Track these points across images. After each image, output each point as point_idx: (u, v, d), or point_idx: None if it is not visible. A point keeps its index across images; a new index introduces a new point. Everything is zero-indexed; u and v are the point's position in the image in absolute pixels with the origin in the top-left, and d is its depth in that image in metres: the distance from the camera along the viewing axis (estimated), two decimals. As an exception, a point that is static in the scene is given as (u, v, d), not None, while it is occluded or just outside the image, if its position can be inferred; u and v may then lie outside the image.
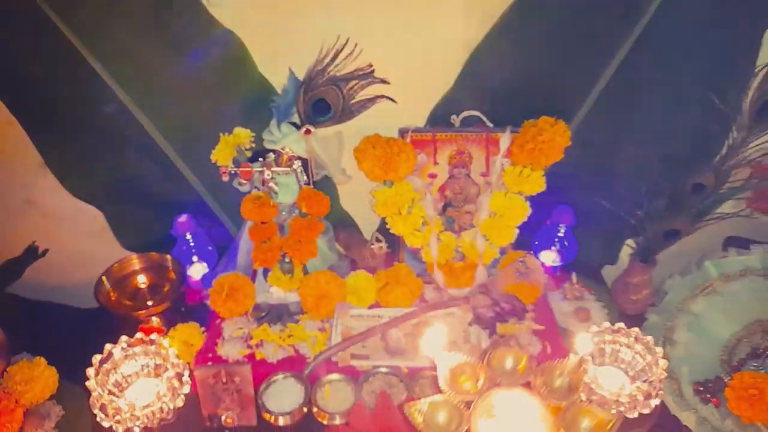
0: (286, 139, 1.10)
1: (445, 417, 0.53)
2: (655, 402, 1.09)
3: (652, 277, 1.36)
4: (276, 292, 1.24)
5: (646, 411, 1.09)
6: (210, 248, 1.32)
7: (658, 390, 1.09)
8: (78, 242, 1.36)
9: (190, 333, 1.20)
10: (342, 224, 1.37)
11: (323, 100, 1.08)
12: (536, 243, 1.36)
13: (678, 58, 1.14)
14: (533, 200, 1.26)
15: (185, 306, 1.32)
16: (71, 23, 1.05)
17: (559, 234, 1.32)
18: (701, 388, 1.19)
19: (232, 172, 1.13)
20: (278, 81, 1.14)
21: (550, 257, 1.35)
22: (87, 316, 1.38)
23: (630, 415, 1.09)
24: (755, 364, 1.21)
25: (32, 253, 1.18)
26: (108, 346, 1.11)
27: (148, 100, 1.17)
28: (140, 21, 1.07)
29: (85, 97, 1.15)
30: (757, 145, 1.15)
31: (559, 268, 1.36)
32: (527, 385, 0.85)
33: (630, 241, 1.42)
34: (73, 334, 1.30)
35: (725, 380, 1.17)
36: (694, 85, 1.14)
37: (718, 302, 1.26)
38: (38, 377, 1.15)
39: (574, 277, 1.34)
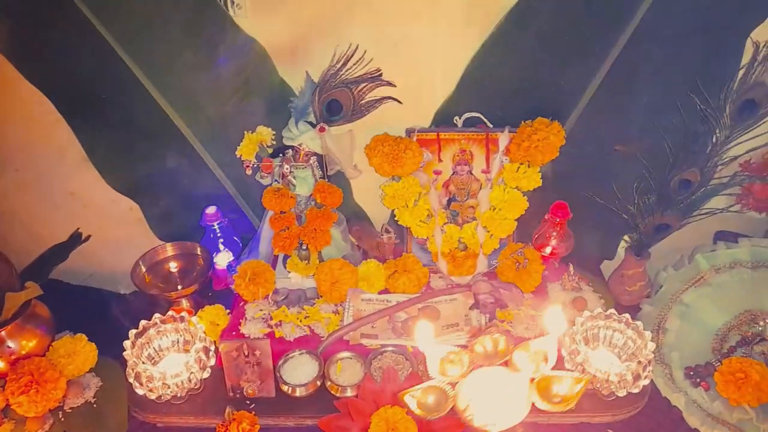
0: (303, 136, 1.22)
1: (435, 399, 0.61)
2: (644, 382, 1.18)
3: (647, 270, 1.44)
4: (294, 277, 1.35)
5: (636, 390, 1.18)
6: (235, 238, 1.45)
7: (646, 370, 1.17)
8: (115, 232, 1.50)
9: (216, 314, 1.32)
10: (355, 217, 1.48)
11: (336, 100, 1.20)
12: (535, 237, 1.45)
13: (664, 63, 1.22)
14: (532, 197, 1.36)
15: (212, 291, 1.45)
16: (115, 32, 1.18)
17: (556, 228, 1.41)
18: (691, 373, 1.26)
19: (255, 165, 1.25)
20: (296, 84, 1.26)
21: (547, 250, 1.44)
22: (122, 300, 1.51)
23: (620, 394, 1.18)
24: (744, 352, 1.28)
25: (76, 239, 1.31)
26: (143, 323, 1.24)
27: (181, 100, 1.29)
28: (174, 29, 1.19)
29: (125, 98, 1.28)
30: (739, 143, 1.23)
31: (557, 260, 1.45)
32: (505, 363, 0.95)
33: (626, 237, 1.50)
34: (110, 316, 1.41)
35: (715, 365, 1.24)
36: (680, 86, 1.22)
37: (709, 293, 1.34)
38: (80, 351, 1.27)
39: (571, 268, 1.42)
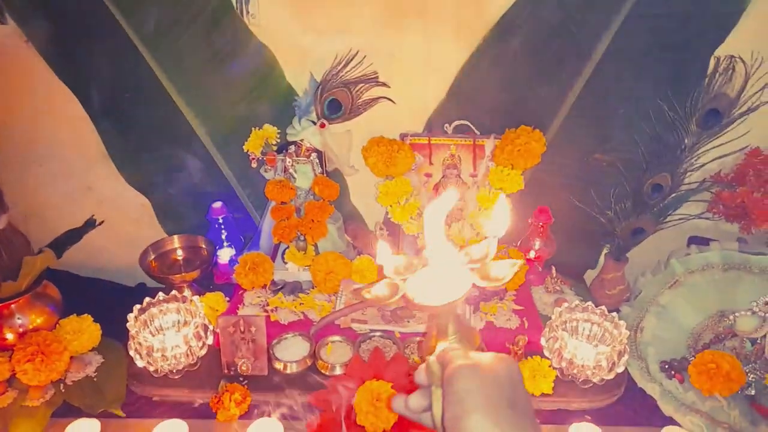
0: (305, 132, 1.34)
1: (388, 290, 0.64)
2: (619, 370, 1.24)
3: (625, 274, 1.51)
4: (291, 267, 1.44)
5: (611, 376, 1.23)
6: (241, 238, 1.54)
7: (621, 359, 1.23)
8: (126, 227, 1.59)
9: (216, 300, 1.40)
10: (351, 218, 1.58)
11: (336, 100, 1.32)
12: (519, 242, 1.53)
13: (636, 76, 1.35)
14: (517, 205, 1.46)
15: (213, 285, 1.53)
16: (141, 35, 1.31)
17: (539, 232, 1.50)
18: (666, 366, 1.32)
19: (260, 159, 1.37)
20: (300, 88, 1.39)
21: (531, 254, 1.52)
22: (128, 291, 1.58)
23: (595, 380, 1.23)
24: (717, 348, 1.34)
25: (91, 224, 1.40)
26: (147, 299, 1.31)
27: (197, 102, 1.41)
28: (194, 35, 1.32)
29: (146, 99, 1.40)
30: (707, 151, 1.34)
31: (541, 264, 1.53)
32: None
33: (607, 246, 1.58)
34: (115, 304, 1.48)
35: (689, 360, 1.30)
36: (652, 98, 1.33)
37: (683, 293, 1.40)
38: (84, 330, 1.34)
39: (553, 271, 1.50)
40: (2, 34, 1.34)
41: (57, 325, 1.35)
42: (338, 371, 1.25)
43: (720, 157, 1.34)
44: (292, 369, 1.26)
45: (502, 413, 0.47)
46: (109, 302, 1.53)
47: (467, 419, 0.47)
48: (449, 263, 0.60)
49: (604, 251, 1.57)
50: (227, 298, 1.41)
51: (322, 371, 1.26)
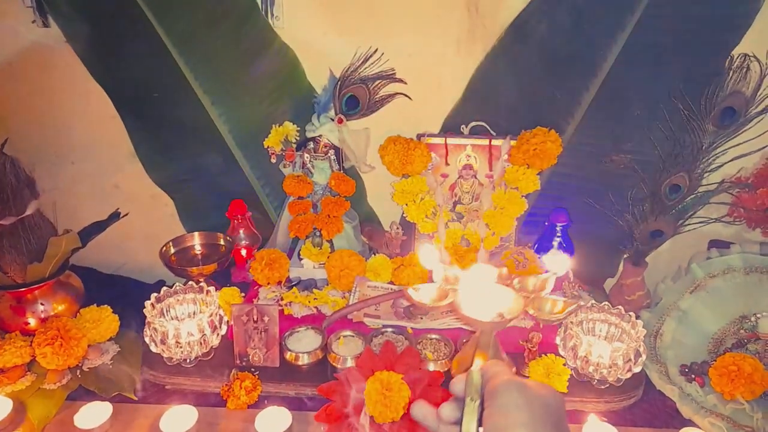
0: (323, 128, 1.37)
1: (435, 295, 0.66)
2: (636, 369, 1.20)
3: (645, 280, 1.49)
4: (306, 265, 1.45)
5: (627, 375, 1.20)
6: (256, 233, 1.57)
7: (638, 358, 1.20)
8: (149, 226, 1.63)
9: (231, 294, 1.41)
10: (368, 220, 1.59)
11: (354, 96, 1.36)
12: (536, 246, 1.53)
13: (651, 76, 1.36)
14: (533, 212, 1.46)
15: (230, 283, 1.55)
16: (173, 37, 1.36)
17: (556, 236, 1.49)
18: (686, 369, 1.28)
19: (279, 154, 1.40)
20: (321, 87, 1.43)
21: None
22: (148, 288, 1.61)
23: (611, 379, 1.20)
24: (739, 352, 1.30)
25: (115, 216, 1.44)
26: (164, 288, 1.33)
27: (221, 101, 1.45)
28: (221, 37, 1.38)
29: (173, 98, 1.45)
30: (723, 151, 1.33)
31: (558, 268, 1.51)
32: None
33: (626, 253, 1.56)
34: (134, 299, 1.51)
35: (710, 363, 1.26)
36: (666, 98, 1.33)
37: (704, 297, 1.37)
38: (104, 319, 1.37)
39: (570, 275, 1.48)
40: (45, 35, 1.42)
41: (77, 314, 1.38)
42: (349, 363, 1.24)
43: (738, 157, 1.32)
44: (304, 360, 1.26)
45: None
46: (129, 297, 1.57)
47: None
48: (501, 285, 0.62)
49: (624, 257, 1.54)
50: (242, 294, 1.43)
51: (334, 364, 1.26)
